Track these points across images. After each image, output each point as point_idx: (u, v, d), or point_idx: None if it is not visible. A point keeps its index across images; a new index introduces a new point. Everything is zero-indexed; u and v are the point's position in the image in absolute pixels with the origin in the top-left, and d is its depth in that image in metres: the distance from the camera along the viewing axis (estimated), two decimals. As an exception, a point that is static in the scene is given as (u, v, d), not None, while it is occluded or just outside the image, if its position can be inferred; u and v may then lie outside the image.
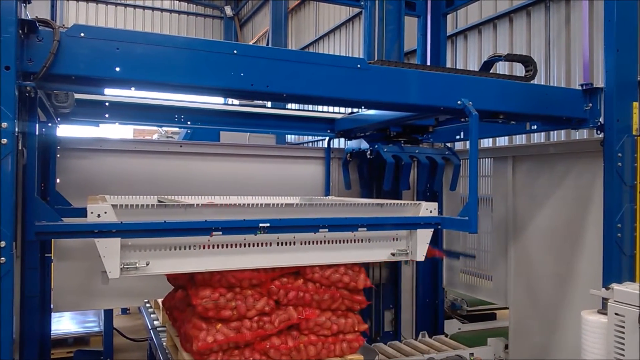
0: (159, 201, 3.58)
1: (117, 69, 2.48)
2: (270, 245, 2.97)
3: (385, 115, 4.14)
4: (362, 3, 5.23)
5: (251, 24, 16.53)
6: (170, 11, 16.82)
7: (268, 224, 2.84)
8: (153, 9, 16.54)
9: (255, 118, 4.79)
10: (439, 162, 4.54)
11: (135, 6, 16.25)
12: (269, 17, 12.55)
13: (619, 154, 3.43)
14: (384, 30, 4.86)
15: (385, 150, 4.39)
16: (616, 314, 2.79)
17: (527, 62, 3.93)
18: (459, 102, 3.24)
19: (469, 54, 7.44)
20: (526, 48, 6.40)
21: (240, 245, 2.90)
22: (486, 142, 6.54)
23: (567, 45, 5.89)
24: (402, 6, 5.03)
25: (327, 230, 3.03)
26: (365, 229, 3.13)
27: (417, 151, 4.52)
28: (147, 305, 5.05)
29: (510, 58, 4.40)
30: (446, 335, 5.07)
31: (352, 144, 4.90)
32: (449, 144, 5.07)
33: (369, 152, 4.57)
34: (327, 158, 5.04)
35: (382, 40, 4.75)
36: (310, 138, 11.26)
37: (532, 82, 3.79)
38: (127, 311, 8.38)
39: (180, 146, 4.60)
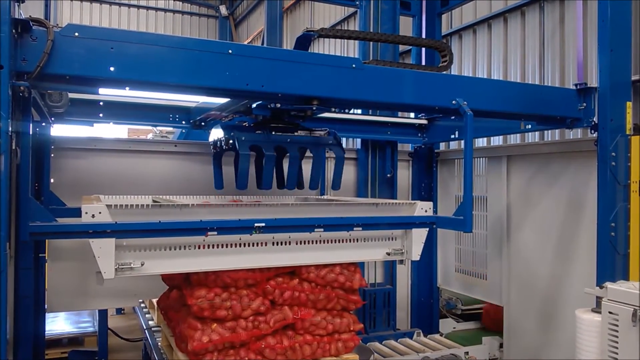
0: (154, 201, 3.57)
1: (112, 68, 2.47)
2: (266, 245, 2.97)
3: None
4: (357, 3, 5.23)
5: (246, 24, 16.48)
6: (165, 10, 16.74)
7: (263, 224, 2.84)
8: (148, 8, 16.46)
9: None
10: (316, 155, 3.69)
11: (129, 5, 16.16)
12: (264, 16, 12.51)
13: (613, 154, 3.45)
14: (379, 29, 4.87)
15: (243, 139, 3.41)
16: (610, 312, 2.81)
17: (442, 49, 3.43)
18: (453, 101, 3.25)
19: (464, 53, 7.45)
20: (520, 48, 6.43)
21: (236, 245, 2.89)
22: (481, 142, 6.56)
23: (562, 45, 5.91)
24: (397, 6, 5.04)
25: (322, 229, 3.03)
26: (360, 228, 3.13)
27: (288, 140, 3.56)
28: (142, 305, 5.04)
29: (325, 34, 3.14)
30: (441, 334, 5.08)
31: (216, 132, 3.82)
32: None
33: (223, 141, 3.59)
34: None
35: (377, 40, 4.74)
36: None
37: (525, 82, 3.79)
38: (122, 311, 8.35)
39: (175, 146, 4.59)
